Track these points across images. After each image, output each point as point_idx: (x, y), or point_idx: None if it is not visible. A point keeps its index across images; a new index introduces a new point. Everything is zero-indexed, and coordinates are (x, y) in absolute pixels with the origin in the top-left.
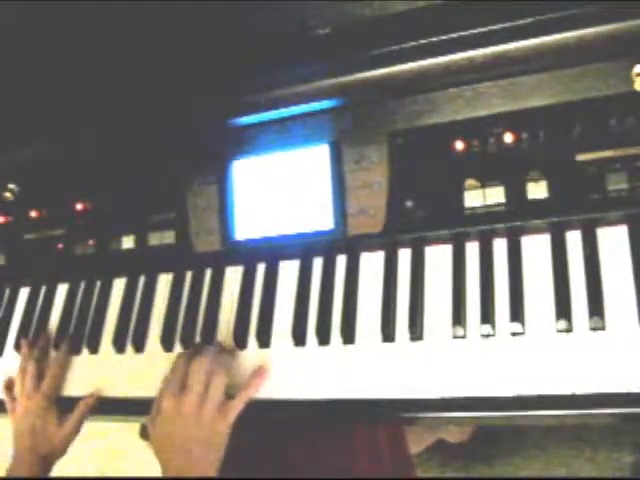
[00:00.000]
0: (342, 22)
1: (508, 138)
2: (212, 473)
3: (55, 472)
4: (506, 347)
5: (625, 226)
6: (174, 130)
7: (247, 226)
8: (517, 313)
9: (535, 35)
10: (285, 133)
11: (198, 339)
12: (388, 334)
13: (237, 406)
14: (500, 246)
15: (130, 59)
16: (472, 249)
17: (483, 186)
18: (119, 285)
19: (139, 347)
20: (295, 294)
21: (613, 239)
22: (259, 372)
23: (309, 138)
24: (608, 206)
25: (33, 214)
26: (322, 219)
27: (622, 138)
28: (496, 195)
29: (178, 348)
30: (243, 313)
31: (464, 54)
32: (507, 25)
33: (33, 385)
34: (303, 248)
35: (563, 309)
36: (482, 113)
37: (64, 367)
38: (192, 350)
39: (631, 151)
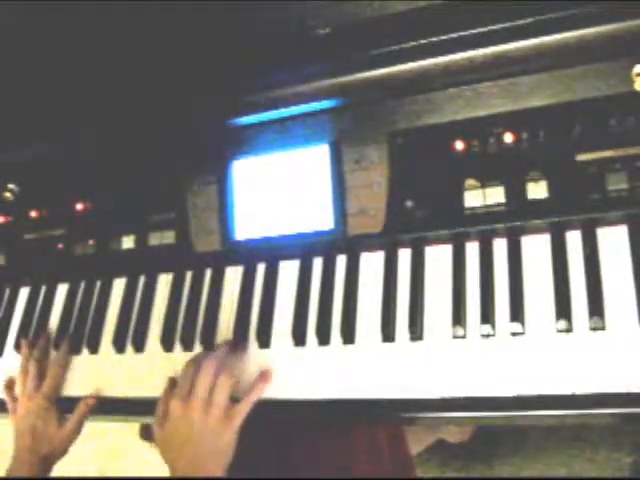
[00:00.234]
0: (342, 22)
1: (508, 138)
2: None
3: (55, 472)
4: (506, 347)
5: (625, 226)
6: (174, 130)
7: (247, 226)
8: (517, 313)
9: (535, 35)
10: (285, 133)
11: (198, 339)
12: (388, 334)
13: (243, 410)
14: (500, 246)
15: (130, 59)
16: (472, 249)
17: (483, 186)
18: (119, 285)
19: (139, 347)
20: (295, 294)
21: (613, 239)
22: (263, 375)
23: (309, 138)
24: (608, 206)
25: (33, 214)
26: (322, 219)
27: (622, 138)
28: (496, 195)
29: (178, 348)
30: (243, 313)
31: (464, 54)
32: (507, 25)
33: (34, 386)
34: (303, 248)
35: (563, 309)
36: (482, 113)
37: (64, 367)
38: (201, 354)
39: (631, 151)
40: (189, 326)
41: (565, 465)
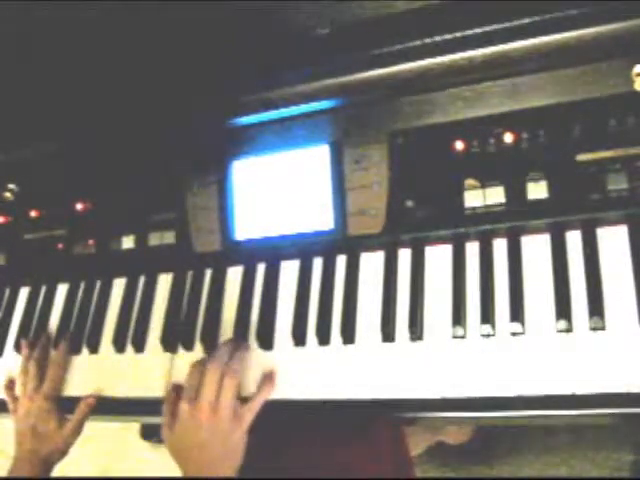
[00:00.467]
0: (342, 22)
1: (508, 138)
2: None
3: (55, 472)
4: (506, 347)
5: (625, 226)
6: (174, 130)
7: (247, 226)
8: (517, 313)
9: (535, 35)
10: (285, 133)
11: (198, 339)
12: (388, 334)
13: (251, 410)
14: (500, 246)
15: (130, 59)
16: (472, 249)
17: (483, 186)
18: (119, 285)
19: (139, 347)
20: (295, 294)
21: (613, 239)
22: (269, 376)
23: (309, 138)
24: (608, 206)
25: (33, 214)
26: (322, 219)
27: (622, 138)
28: (496, 195)
29: (178, 348)
30: (243, 313)
31: (464, 54)
32: (507, 25)
33: (34, 386)
34: (303, 248)
35: (563, 309)
36: (482, 113)
37: (64, 367)
38: (205, 357)
39: (631, 151)
40: (189, 326)
41: (565, 465)
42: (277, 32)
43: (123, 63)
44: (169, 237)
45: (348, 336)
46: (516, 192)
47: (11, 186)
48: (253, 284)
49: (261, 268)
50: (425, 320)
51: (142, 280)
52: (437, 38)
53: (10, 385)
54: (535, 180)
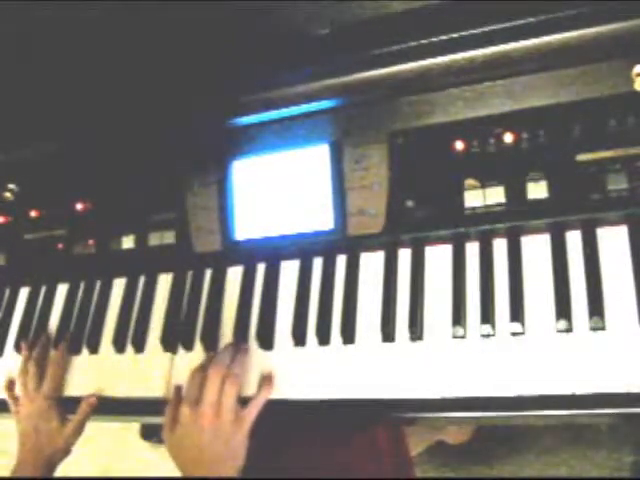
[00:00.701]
0: (342, 22)
1: (508, 138)
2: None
3: (55, 472)
4: (506, 347)
5: (625, 226)
6: (174, 130)
7: (247, 226)
8: (517, 313)
9: (535, 35)
10: (285, 133)
11: (198, 339)
12: (388, 334)
13: (252, 413)
14: (500, 246)
15: (130, 59)
16: (472, 249)
17: (483, 186)
18: (119, 285)
19: (139, 347)
20: (295, 294)
21: (613, 239)
22: (267, 378)
23: (309, 138)
24: (608, 206)
25: (33, 214)
26: (322, 219)
27: (622, 138)
28: (496, 195)
29: (178, 348)
30: (243, 313)
31: (464, 54)
32: (507, 25)
33: (35, 386)
34: (303, 248)
35: (563, 309)
36: (482, 113)
37: (64, 367)
38: (206, 360)
39: (631, 151)
40: (189, 326)
41: (565, 465)
42: (277, 32)
43: (123, 63)
44: (169, 237)
45: (348, 336)
46: (516, 192)
47: (11, 186)
48: (253, 284)
49: (261, 268)
50: (425, 320)
51: (142, 280)
52: (437, 38)
53: (10, 385)
54: (535, 180)
